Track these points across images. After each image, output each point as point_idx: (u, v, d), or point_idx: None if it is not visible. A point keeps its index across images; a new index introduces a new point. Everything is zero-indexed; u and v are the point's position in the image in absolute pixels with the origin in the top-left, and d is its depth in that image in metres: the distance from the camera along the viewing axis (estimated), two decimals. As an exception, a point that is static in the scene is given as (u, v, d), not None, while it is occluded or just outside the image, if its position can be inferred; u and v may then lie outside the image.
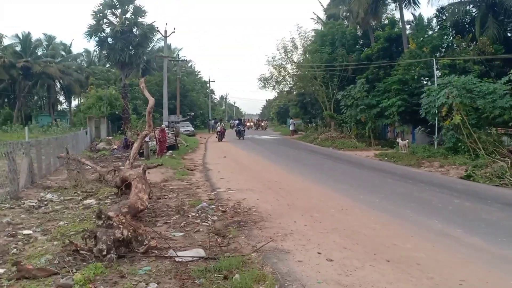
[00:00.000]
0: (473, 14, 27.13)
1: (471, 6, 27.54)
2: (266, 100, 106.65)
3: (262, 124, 69.87)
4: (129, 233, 5.72)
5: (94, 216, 6.53)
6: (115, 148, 24.51)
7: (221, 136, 34.21)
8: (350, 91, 28.21)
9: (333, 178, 13.81)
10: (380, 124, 27.67)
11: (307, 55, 37.46)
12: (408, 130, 26.25)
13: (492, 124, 17.40)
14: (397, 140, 23.12)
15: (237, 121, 41.89)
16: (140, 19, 36.74)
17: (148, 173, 11.57)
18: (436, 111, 18.29)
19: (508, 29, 26.41)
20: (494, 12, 24.81)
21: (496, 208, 9.19)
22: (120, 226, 5.65)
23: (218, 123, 39.07)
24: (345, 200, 10.07)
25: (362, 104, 26.84)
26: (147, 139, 17.78)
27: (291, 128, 46.25)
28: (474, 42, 24.80)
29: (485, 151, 15.31)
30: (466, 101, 16.97)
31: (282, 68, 39.53)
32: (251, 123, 72.37)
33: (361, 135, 28.91)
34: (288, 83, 43.20)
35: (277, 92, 51.44)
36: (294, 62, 39.25)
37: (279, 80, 41.11)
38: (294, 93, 47.35)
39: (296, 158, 20.87)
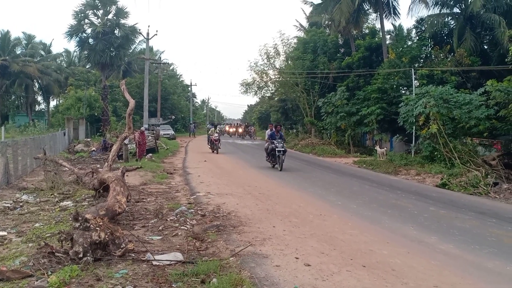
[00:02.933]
0: (451, 26, 27.87)
1: (449, 18, 28.31)
2: (247, 105, 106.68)
3: (251, 129, 52.44)
4: (106, 236, 5.66)
5: (70, 218, 6.45)
6: (94, 150, 24.18)
7: (215, 145, 25.25)
8: (331, 99, 28.56)
9: (313, 184, 13.91)
10: (359, 131, 28.07)
11: (289, 62, 37.79)
12: (386, 138, 26.69)
13: (468, 134, 17.83)
14: (375, 148, 23.46)
15: (268, 131, 19.77)
16: (122, 21, 36.48)
17: (127, 175, 11.45)
18: (414, 120, 18.65)
19: (485, 41, 27.19)
20: (471, 25, 25.53)
21: (470, 216, 9.42)
22: (97, 228, 5.60)
23: (212, 128, 27.80)
24: (323, 205, 10.16)
25: (342, 112, 27.18)
26: (126, 141, 17.61)
27: None
28: (452, 54, 25.45)
29: (460, 160, 15.67)
30: (443, 111, 17.37)
31: (264, 74, 39.80)
32: (234, 129, 56.22)
33: (340, 142, 29.25)
34: (270, 89, 43.54)
35: (259, 98, 51.69)
36: (276, 68, 39.56)
37: (261, 85, 41.37)
38: (276, 99, 47.65)
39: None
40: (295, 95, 37.74)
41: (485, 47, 27.15)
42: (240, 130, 53.31)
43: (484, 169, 14.28)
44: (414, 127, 19.61)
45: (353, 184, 14.29)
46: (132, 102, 12.40)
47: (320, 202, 10.61)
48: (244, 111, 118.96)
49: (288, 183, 13.98)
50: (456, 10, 27.92)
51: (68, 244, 5.61)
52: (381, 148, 22.48)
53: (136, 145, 20.33)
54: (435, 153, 17.45)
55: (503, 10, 23.97)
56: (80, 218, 5.66)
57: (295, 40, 40.00)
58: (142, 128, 22.23)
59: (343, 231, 7.69)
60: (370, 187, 13.56)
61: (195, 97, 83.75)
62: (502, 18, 23.03)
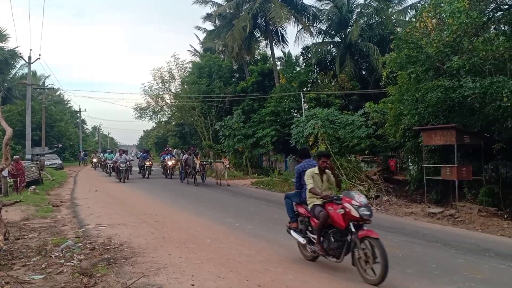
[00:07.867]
0: (334, 53, 30.38)
1: (331, 46, 30.84)
2: (144, 130, 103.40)
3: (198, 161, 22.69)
4: (-26, 282, 5.01)
5: None
6: (-35, 186, 21.38)
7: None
8: (228, 122, 29.06)
9: (211, 207, 13.86)
10: (256, 153, 28.82)
11: (185, 86, 37.70)
12: (281, 159, 27.76)
13: (352, 152, 19.29)
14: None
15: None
16: (1, 44, 33.48)
17: (6, 211, 10.38)
18: (305, 141, 19.70)
19: (363, 68, 30.05)
20: (350, 53, 28.05)
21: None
22: (-38, 274, 4.93)
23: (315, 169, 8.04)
24: (221, 228, 10.16)
25: (239, 134, 27.76)
26: (5, 173, 15.92)
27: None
28: (335, 79, 27.63)
29: (346, 176, 16.86)
30: (330, 131, 18.63)
31: (160, 98, 39.08)
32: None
33: (239, 164, 29.71)
34: (167, 113, 42.84)
35: (155, 123, 50.51)
36: (172, 92, 39.14)
37: (156, 110, 40.51)
38: (173, 123, 47.01)
39: (173, 188, 20.54)
40: (192, 119, 37.65)
41: (363, 72, 29.99)
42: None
43: (367, 184, 15.54)
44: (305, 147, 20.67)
45: (251, 204, 14.55)
46: (9, 131, 11.27)
47: (218, 225, 10.60)
48: (140, 137, 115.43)
49: (185, 208, 13.76)
50: (337, 39, 30.53)
51: None
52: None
53: (9, 176, 18.17)
54: (325, 171, 18.48)
55: (377, 40, 26.77)
56: None
57: (190, 65, 40.16)
58: (16, 157, 19.88)
59: (240, 252, 7.74)
60: (267, 207, 13.92)
61: (85, 124, 79.21)
62: (376, 47, 25.71)
